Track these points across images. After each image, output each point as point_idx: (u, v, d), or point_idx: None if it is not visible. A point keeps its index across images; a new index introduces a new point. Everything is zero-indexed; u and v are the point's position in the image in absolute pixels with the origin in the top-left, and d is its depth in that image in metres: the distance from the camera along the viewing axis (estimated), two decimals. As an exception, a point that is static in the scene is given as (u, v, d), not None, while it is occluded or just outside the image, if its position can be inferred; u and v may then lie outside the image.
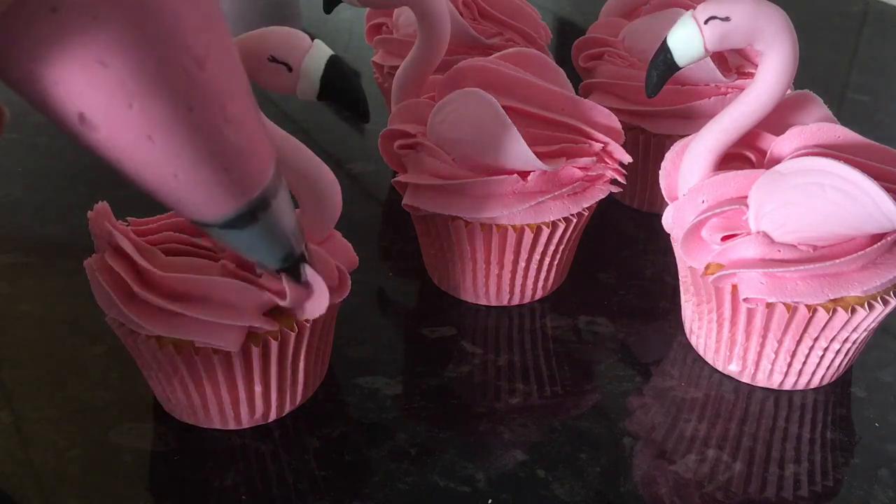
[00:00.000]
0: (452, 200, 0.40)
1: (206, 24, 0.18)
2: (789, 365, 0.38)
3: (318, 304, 0.33)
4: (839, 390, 0.40)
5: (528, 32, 0.54)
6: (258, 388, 0.35)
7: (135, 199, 0.52)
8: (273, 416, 0.37)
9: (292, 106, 0.67)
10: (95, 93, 0.17)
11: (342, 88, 0.32)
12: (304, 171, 0.34)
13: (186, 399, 0.35)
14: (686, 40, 0.36)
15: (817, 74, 0.74)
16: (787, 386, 0.39)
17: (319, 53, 0.31)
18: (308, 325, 0.34)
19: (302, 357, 0.35)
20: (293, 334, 0.34)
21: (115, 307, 0.32)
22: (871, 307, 0.36)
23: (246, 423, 0.36)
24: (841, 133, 0.37)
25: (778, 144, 0.38)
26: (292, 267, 0.28)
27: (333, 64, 0.31)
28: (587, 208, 0.42)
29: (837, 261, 0.34)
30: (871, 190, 0.32)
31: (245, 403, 0.35)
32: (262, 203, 0.22)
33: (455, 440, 0.37)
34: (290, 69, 0.31)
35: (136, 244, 0.33)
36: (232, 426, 0.36)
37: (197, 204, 0.21)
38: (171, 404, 0.37)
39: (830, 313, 0.36)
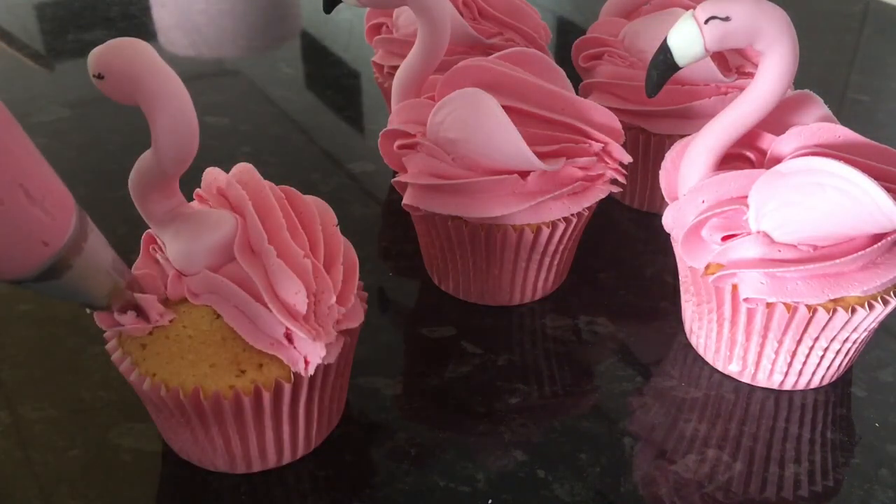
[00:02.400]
0: (452, 200, 0.40)
1: None
2: (789, 365, 0.38)
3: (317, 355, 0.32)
4: (839, 390, 0.40)
5: (528, 32, 0.54)
6: (270, 433, 0.34)
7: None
8: (287, 459, 0.35)
9: (292, 106, 0.67)
10: None
11: None
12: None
13: (194, 442, 0.34)
14: (686, 40, 0.36)
15: (817, 74, 0.74)
16: (788, 386, 0.39)
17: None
18: (322, 367, 0.33)
19: (316, 399, 0.34)
20: (306, 378, 0.32)
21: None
22: (871, 307, 0.36)
23: (257, 467, 0.35)
24: (841, 133, 0.37)
25: (778, 144, 0.38)
26: (125, 304, 0.30)
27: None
28: (587, 208, 0.42)
29: (837, 261, 0.34)
30: (871, 190, 0.32)
31: (256, 448, 0.34)
32: (71, 249, 0.24)
33: (455, 440, 0.37)
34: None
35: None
36: (241, 470, 0.35)
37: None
38: (179, 445, 0.35)
39: (830, 313, 0.36)
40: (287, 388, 0.32)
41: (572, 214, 0.41)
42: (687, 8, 0.48)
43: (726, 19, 0.35)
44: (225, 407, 0.32)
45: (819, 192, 0.33)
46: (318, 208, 0.35)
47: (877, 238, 0.35)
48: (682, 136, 0.41)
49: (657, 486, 0.35)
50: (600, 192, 0.42)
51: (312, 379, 0.33)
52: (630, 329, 0.44)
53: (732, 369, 0.40)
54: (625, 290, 0.47)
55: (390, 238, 0.51)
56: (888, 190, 0.32)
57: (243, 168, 0.35)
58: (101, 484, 0.34)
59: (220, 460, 0.34)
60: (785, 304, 0.36)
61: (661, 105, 0.48)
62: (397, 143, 0.42)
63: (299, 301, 0.31)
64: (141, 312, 0.32)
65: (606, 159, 0.42)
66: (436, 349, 0.42)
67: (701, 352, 0.42)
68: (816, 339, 0.37)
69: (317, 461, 0.36)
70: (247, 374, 0.31)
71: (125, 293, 0.30)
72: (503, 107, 0.38)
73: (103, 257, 0.27)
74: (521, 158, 0.38)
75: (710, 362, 0.41)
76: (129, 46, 0.29)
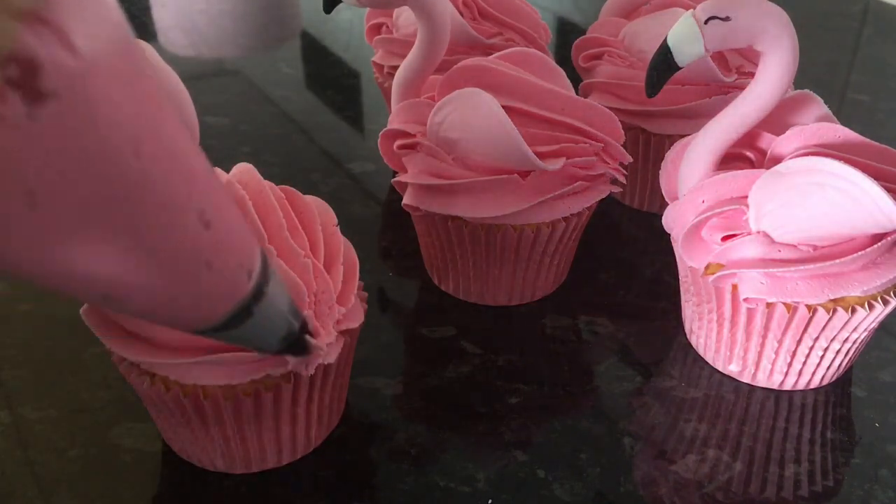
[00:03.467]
0: (452, 200, 0.40)
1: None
2: (789, 365, 0.38)
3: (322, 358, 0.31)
4: (839, 390, 0.40)
5: (528, 32, 0.54)
6: (270, 433, 0.34)
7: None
8: (287, 459, 0.35)
9: (292, 107, 0.67)
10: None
11: None
12: None
13: (194, 442, 0.34)
14: (686, 40, 0.36)
15: (817, 74, 0.74)
16: (788, 386, 0.39)
17: None
18: (322, 366, 0.32)
19: (316, 400, 0.34)
20: (306, 378, 0.32)
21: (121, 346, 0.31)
22: (871, 307, 0.36)
23: (256, 467, 0.35)
24: (841, 133, 0.37)
25: (778, 144, 0.38)
26: (294, 344, 0.26)
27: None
28: (587, 208, 0.42)
29: (837, 261, 0.34)
30: (871, 190, 0.32)
31: (256, 448, 0.34)
32: (254, 297, 0.21)
33: (455, 440, 0.37)
34: None
35: None
36: (241, 470, 0.35)
37: (185, 317, 0.20)
38: (179, 445, 0.35)
39: (830, 313, 0.36)
40: (287, 388, 0.32)
41: (572, 214, 0.41)
42: (687, 8, 0.48)
43: (726, 19, 0.35)
44: (225, 407, 0.32)
45: (819, 192, 0.33)
46: (318, 208, 0.35)
47: (877, 238, 0.35)
48: (682, 136, 0.41)
49: (657, 486, 0.35)
50: (600, 192, 0.42)
51: (312, 379, 0.33)
52: (630, 329, 0.44)
53: (732, 369, 0.40)
54: (625, 290, 0.47)
55: (390, 238, 0.51)
56: (888, 190, 0.32)
57: (243, 168, 0.35)
58: (101, 484, 0.34)
59: (219, 460, 0.34)
60: (785, 304, 0.36)
61: (661, 105, 0.48)
62: (397, 143, 0.42)
63: (299, 301, 0.31)
64: (310, 355, 0.29)
65: (606, 159, 0.42)
66: (436, 349, 0.42)
67: (701, 352, 0.42)
68: (816, 339, 0.37)
69: (317, 461, 0.36)
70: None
71: (302, 339, 0.26)
72: (503, 107, 0.38)
73: (283, 300, 0.24)
74: (521, 158, 0.38)
75: (710, 362, 0.41)
76: None
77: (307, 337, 0.26)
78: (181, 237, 0.18)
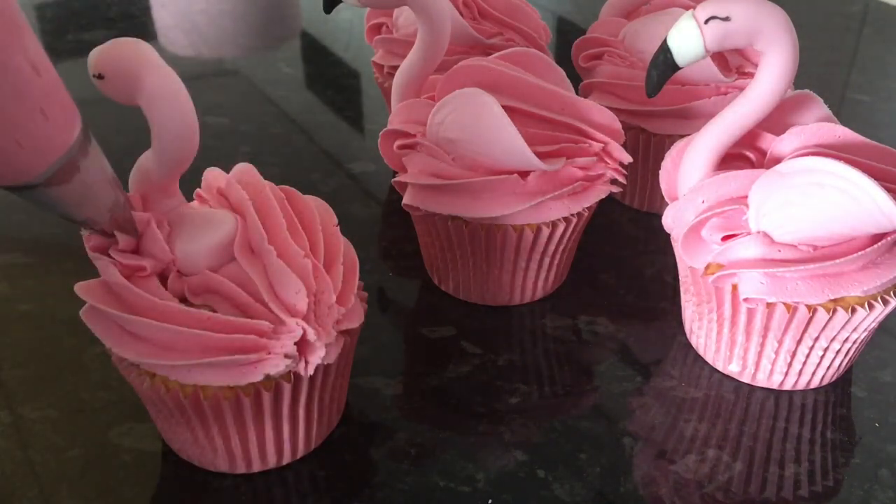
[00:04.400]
0: (452, 200, 0.40)
1: None
2: (789, 365, 0.38)
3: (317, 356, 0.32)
4: (839, 390, 0.40)
5: (528, 32, 0.54)
6: (270, 433, 0.34)
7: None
8: (287, 459, 0.35)
9: (293, 107, 0.67)
10: None
11: None
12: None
13: (194, 442, 0.34)
14: (686, 40, 0.36)
15: (817, 74, 0.74)
16: (787, 386, 0.39)
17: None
18: (322, 366, 0.33)
19: (316, 399, 0.34)
20: (306, 378, 0.32)
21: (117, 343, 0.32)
22: (871, 307, 0.36)
23: (257, 467, 0.35)
24: (841, 133, 0.37)
25: (778, 144, 0.38)
26: (121, 221, 0.29)
27: None
28: (587, 208, 0.42)
29: (837, 261, 0.34)
30: (871, 190, 0.32)
31: (256, 448, 0.34)
32: (80, 150, 0.24)
33: (455, 440, 0.37)
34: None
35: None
36: (241, 470, 0.35)
37: (14, 165, 0.22)
38: (179, 445, 0.35)
39: (830, 313, 0.36)
40: (287, 388, 0.32)
41: (572, 214, 0.41)
42: (687, 8, 0.48)
43: (726, 19, 0.35)
44: (224, 407, 0.32)
45: (819, 192, 0.33)
46: (318, 208, 0.35)
47: (877, 238, 0.35)
48: (682, 136, 0.41)
49: (657, 486, 0.35)
50: (600, 192, 0.42)
51: (312, 379, 0.33)
52: (630, 329, 0.44)
53: (732, 369, 0.40)
54: (625, 290, 0.47)
55: (390, 238, 0.51)
56: (888, 190, 0.32)
57: (243, 168, 0.35)
58: (101, 484, 0.34)
59: (220, 460, 0.34)
60: (785, 304, 0.36)
61: (661, 105, 0.48)
62: (397, 143, 0.42)
63: (299, 301, 0.31)
64: (134, 233, 0.31)
65: (606, 159, 0.42)
66: (436, 349, 0.42)
67: (701, 352, 0.42)
68: (816, 339, 0.37)
69: (317, 461, 0.36)
70: None
71: (126, 210, 0.29)
72: (503, 107, 0.38)
73: (105, 165, 0.26)
74: (521, 158, 0.38)
75: (710, 362, 0.41)
76: (129, 46, 0.29)
77: (134, 213, 0.29)
78: (16, 79, 0.20)
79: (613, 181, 0.43)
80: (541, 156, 0.39)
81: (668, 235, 0.40)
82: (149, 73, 0.29)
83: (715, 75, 0.47)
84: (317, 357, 0.31)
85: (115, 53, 0.29)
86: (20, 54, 0.21)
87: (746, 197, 0.36)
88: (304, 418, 0.34)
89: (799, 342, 0.37)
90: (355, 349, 0.36)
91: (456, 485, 0.35)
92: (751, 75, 0.48)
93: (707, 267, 0.38)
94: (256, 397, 0.32)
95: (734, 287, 0.37)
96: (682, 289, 0.42)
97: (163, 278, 0.33)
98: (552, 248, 0.43)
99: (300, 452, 0.35)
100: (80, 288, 0.32)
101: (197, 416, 0.32)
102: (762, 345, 0.38)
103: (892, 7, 0.90)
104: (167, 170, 0.31)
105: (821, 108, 0.39)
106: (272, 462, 0.35)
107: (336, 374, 0.34)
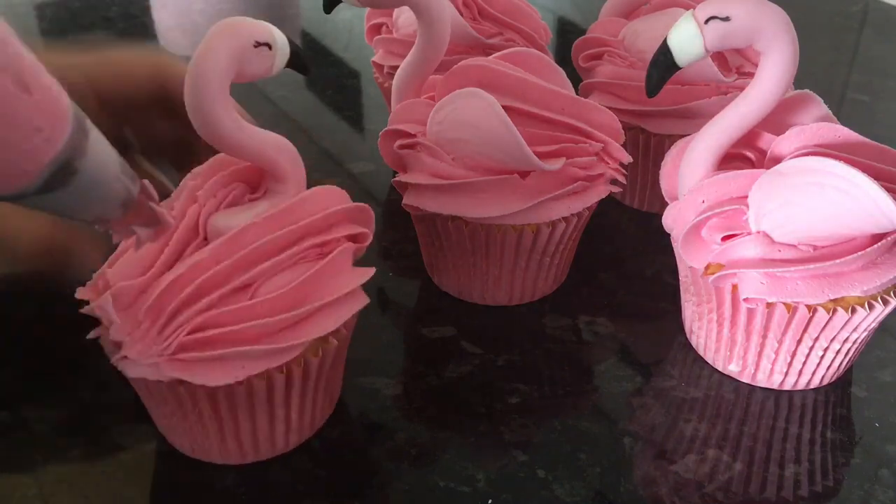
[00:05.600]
0: (452, 200, 0.40)
1: None
2: (789, 365, 0.38)
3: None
4: (839, 390, 0.40)
5: (528, 32, 0.54)
6: (275, 418, 0.34)
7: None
8: (280, 449, 0.36)
9: (292, 106, 0.67)
10: None
11: (297, 52, 0.35)
12: (267, 150, 0.34)
13: (188, 431, 0.34)
14: (686, 40, 0.36)
15: (817, 74, 0.74)
16: (787, 386, 0.39)
17: (275, 28, 0.34)
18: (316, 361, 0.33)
19: (311, 390, 0.34)
20: (298, 370, 0.33)
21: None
22: (871, 307, 0.36)
23: (252, 458, 0.35)
24: (841, 133, 0.37)
25: (778, 144, 0.38)
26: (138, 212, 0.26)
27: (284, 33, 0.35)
28: (587, 208, 0.42)
29: (837, 261, 0.34)
30: (871, 190, 0.32)
31: (248, 436, 0.34)
32: (65, 166, 0.22)
33: (455, 440, 0.37)
34: (270, 48, 0.33)
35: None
36: (235, 461, 0.35)
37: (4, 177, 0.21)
38: (175, 437, 0.36)
39: (830, 313, 0.36)
40: (280, 378, 0.32)
41: (572, 214, 0.41)
42: (687, 8, 0.48)
43: (726, 19, 0.35)
44: (218, 391, 0.32)
45: (819, 192, 0.33)
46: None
47: (877, 238, 0.35)
48: (682, 136, 0.41)
49: (657, 486, 0.35)
50: (600, 192, 0.42)
51: (307, 365, 0.33)
52: (630, 329, 0.44)
53: (732, 369, 0.40)
54: (625, 290, 0.47)
55: (390, 238, 0.51)
56: (888, 190, 0.32)
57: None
58: (101, 484, 0.34)
59: (214, 449, 0.34)
60: (785, 304, 0.36)
61: (661, 105, 0.48)
62: (397, 143, 0.42)
63: None
64: (158, 223, 0.29)
65: (606, 159, 0.42)
66: (436, 349, 0.42)
67: (701, 352, 0.42)
68: (816, 339, 0.37)
69: (317, 461, 0.36)
70: None
71: (144, 204, 0.27)
72: (503, 107, 0.38)
73: (110, 159, 0.24)
74: (521, 158, 0.38)
75: (710, 362, 0.41)
76: None
77: (152, 205, 0.27)
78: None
79: (613, 181, 0.43)
80: (541, 156, 0.39)
81: (668, 235, 0.40)
82: None
83: (715, 75, 0.47)
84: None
85: None
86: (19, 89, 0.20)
87: (746, 197, 0.36)
88: (297, 404, 0.34)
89: (799, 342, 0.37)
90: (356, 349, 0.36)
91: (456, 485, 0.35)
92: (751, 75, 0.47)
93: (707, 267, 0.38)
94: (248, 386, 0.32)
95: (734, 287, 0.37)
96: (682, 289, 0.42)
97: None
98: (552, 248, 0.43)
99: (293, 443, 0.36)
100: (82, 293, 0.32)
101: (191, 403, 0.32)
102: (762, 345, 0.38)
103: (892, 7, 0.90)
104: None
105: (821, 108, 0.39)
106: (265, 453, 0.35)
107: (334, 361, 0.35)
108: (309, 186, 0.35)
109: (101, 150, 0.23)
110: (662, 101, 0.47)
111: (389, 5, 0.51)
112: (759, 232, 0.36)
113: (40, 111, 0.21)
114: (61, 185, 0.22)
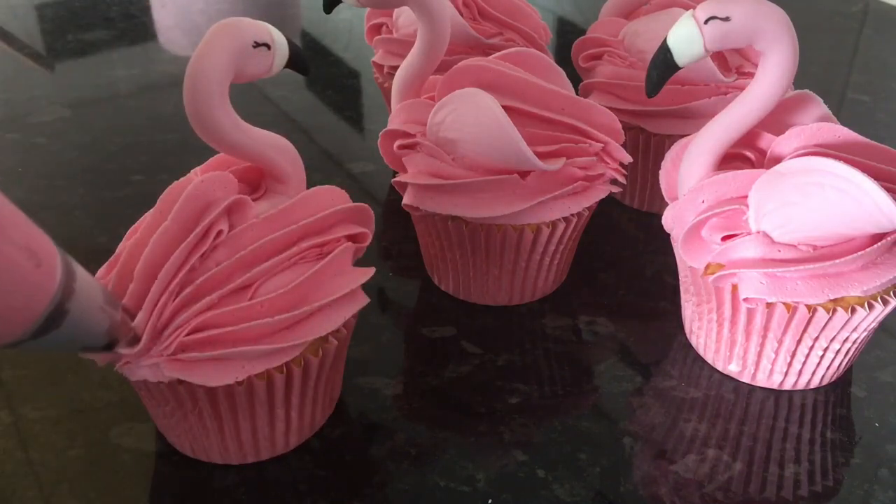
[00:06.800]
0: (452, 200, 0.40)
1: None
2: (789, 365, 0.38)
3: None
4: (839, 390, 0.40)
5: (528, 32, 0.54)
6: (279, 419, 0.34)
7: (134, 198, 0.52)
8: (280, 449, 0.36)
9: (292, 106, 0.67)
10: None
11: (297, 52, 0.35)
12: (267, 150, 0.34)
13: (188, 431, 0.34)
14: (686, 40, 0.36)
15: (817, 74, 0.74)
16: (787, 386, 0.39)
17: (274, 28, 0.34)
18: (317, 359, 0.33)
19: (311, 390, 0.35)
20: (298, 369, 0.33)
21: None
22: (871, 307, 0.36)
23: (252, 458, 0.35)
24: (841, 133, 0.37)
25: (778, 144, 0.38)
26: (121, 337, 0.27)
27: (283, 34, 0.35)
28: (587, 208, 0.42)
29: (837, 261, 0.34)
30: (871, 190, 0.32)
31: (249, 434, 0.34)
32: (57, 310, 0.22)
33: (455, 440, 0.37)
34: (269, 48, 0.33)
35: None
36: (236, 460, 0.35)
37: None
38: (174, 437, 0.35)
39: (830, 313, 0.36)
40: (280, 378, 0.32)
41: (572, 214, 0.41)
42: (687, 8, 0.48)
43: (726, 19, 0.35)
44: (218, 391, 0.32)
45: (819, 192, 0.33)
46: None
47: (877, 238, 0.35)
48: (682, 136, 0.41)
49: (657, 486, 0.35)
50: (600, 192, 0.42)
51: (307, 366, 0.33)
52: (630, 329, 0.44)
53: (732, 369, 0.40)
54: (625, 290, 0.47)
55: (390, 238, 0.51)
56: (888, 190, 0.32)
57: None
58: (101, 484, 0.34)
59: (214, 449, 0.34)
60: (785, 304, 0.36)
61: (661, 105, 0.48)
62: (397, 143, 0.42)
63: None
64: (136, 341, 0.30)
65: (606, 159, 0.42)
66: (436, 349, 0.42)
67: (701, 352, 0.42)
68: (816, 339, 0.37)
69: (317, 461, 0.36)
70: None
71: (126, 325, 0.27)
72: (503, 107, 0.38)
73: (95, 294, 0.25)
74: (521, 158, 0.38)
75: (710, 362, 0.41)
76: None
77: (133, 325, 0.28)
78: (11, 274, 0.20)
79: (613, 181, 0.43)
80: (541, 156, 0.39)
81: (668, 235, 0.40)
82: None
83: (715, 75, 0.47)
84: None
85: None
86: (8, 245, 0.20)
87: (746, 197, 0.36)
88: (297, 404, 0.34)
89: (799, 342, 0.37)
90: (356, 349, 0.36)
91: (456, 485, 0.35)
92: (751, 75, 0.48)
93: (707, 267, 0.38)
94: (249, 386, 0.32)
95: (734, 287, 0.37)
96: (682, 289, 0.42)
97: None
98: (552, 248, 0.43)
99: (293, 443, 0.36)
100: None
101: (191, 402, 0.32)
102: (762, 345, 0.38)
103: (892, 7, 0.90)
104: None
105: (821, 108, 0.39)
106: (266, 453, 0.35)
107: (333, 364, 0.35)
108: (309, 186, 0.35)
109: (86, 286, 0.24)
110: (662, 101, 0.47)
111: (389, 5, 0.51)
112: (758, 232, 0.36)
113: (35, 272, 0.21)
114: (55, 328, 0.23)
